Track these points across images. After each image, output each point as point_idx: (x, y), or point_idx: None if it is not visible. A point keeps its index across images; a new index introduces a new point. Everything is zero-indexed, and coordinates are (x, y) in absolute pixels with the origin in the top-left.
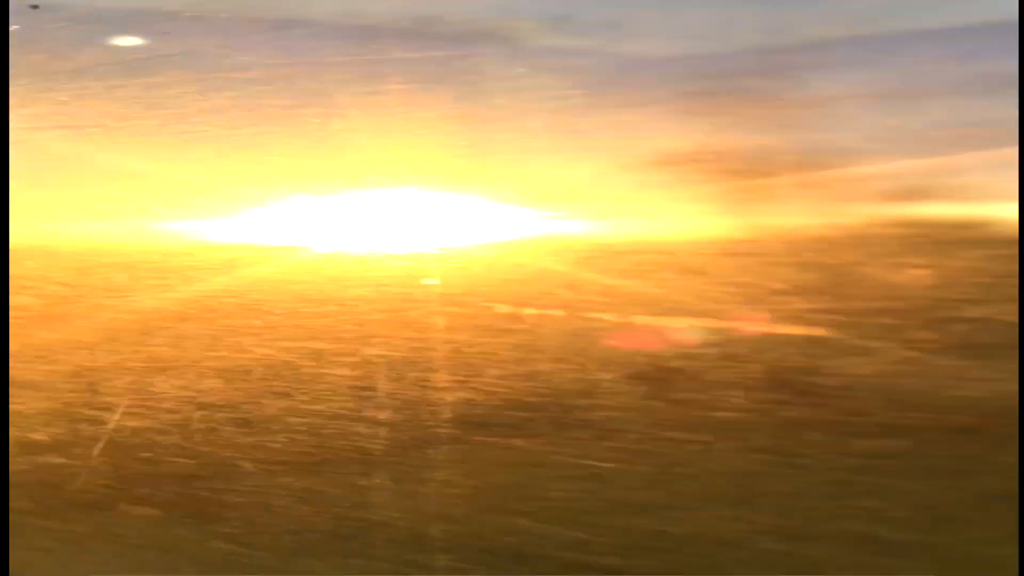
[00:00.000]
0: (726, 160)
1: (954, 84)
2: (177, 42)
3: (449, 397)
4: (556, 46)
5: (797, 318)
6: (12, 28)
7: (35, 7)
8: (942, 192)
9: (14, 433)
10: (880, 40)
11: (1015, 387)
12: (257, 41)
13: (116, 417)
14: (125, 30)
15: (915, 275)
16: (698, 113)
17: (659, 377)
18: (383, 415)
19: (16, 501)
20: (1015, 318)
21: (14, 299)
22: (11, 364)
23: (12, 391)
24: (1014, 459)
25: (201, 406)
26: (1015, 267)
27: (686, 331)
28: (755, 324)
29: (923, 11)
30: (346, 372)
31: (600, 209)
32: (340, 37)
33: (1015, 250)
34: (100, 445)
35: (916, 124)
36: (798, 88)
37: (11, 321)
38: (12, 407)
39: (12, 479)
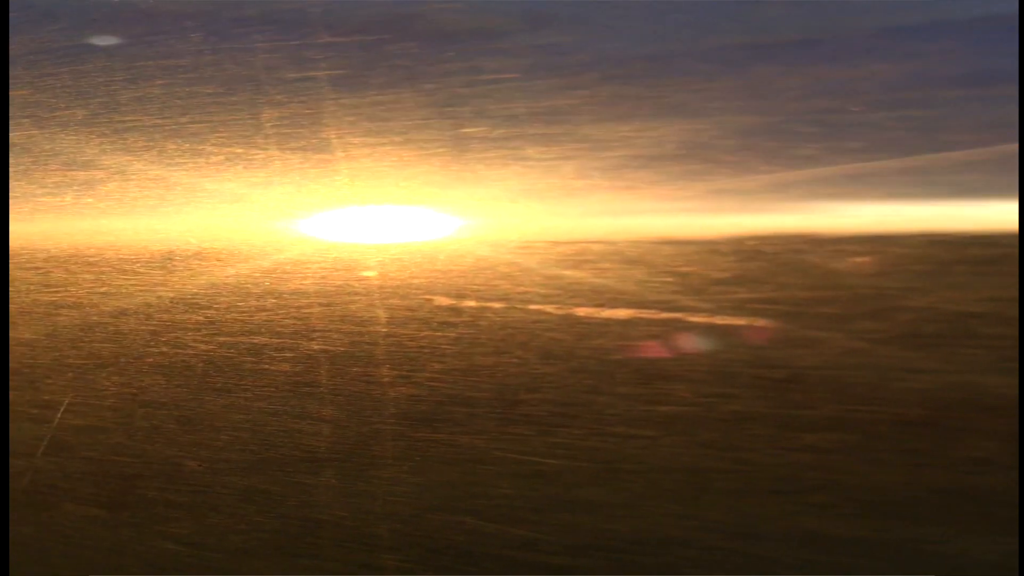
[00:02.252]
0: (673, 153)
1: (946, 80)
2: (106, 30)
3: (392, 393)
4: (488, 32)
5: (740, 308)
6: None
7: None
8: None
9: None
10: (855, 37)
11: (963, 379)
12: (185, 28)
13: (59, 415)
14: (54, 19)
15: (858, 264)
16: (621, 113)
17: (602, 370)
18: (326, 412)
19: None
20: (959, 308)
21: None
22: None
23: None
24: (964, 453)
25: (143, 404)
26: (961, 255)
27: (629, 322)
28: (700, 315)
29: (918, 6)
30: (287, 368)
31: (540, 199)
32: (269, 23)
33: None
34: (44, 444)
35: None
36: (774, 86)
37: None
38: None
39: None
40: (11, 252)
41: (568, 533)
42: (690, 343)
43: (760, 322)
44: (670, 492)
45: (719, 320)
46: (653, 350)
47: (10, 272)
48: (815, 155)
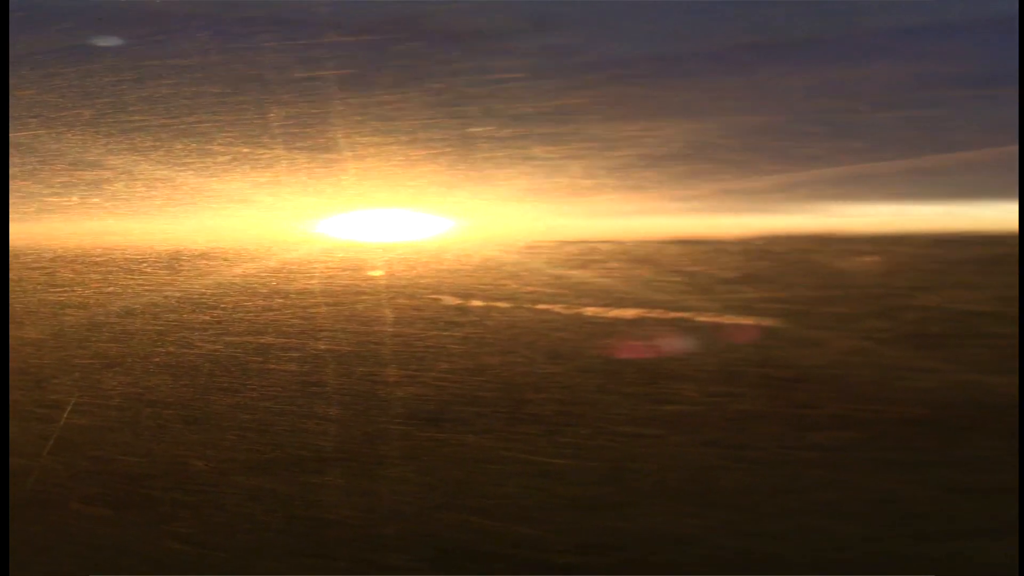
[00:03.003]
0: (680, 153)
1: (950, 81)
2: (112, 30)
3: (399, 392)
4: (495, 32)
5: (747, 308)
6: None
7: None
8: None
9: None
10: (864, 37)
11: (968, 378)
12: (193, 28)
13: (65, 415)
14: (61, 19)
15: (864, 263)
16: (628, 113)
17: (609, 370)
18: (332, 411)
19: None
20: (965, 307)
21: None
22: None
23: None
24: (971, 451)
25: (149, 403)
26: (967, 255)
27: (636, 322)
28: (707, 315)
29: (924, 8)
30: (293, 368)
31: (547, 199)
32: (276, 23)
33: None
34: (50, 444)
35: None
36: (764, 85)
37: None
38: None
39: None
40: (17, 252)
41: (575, 532)
42: (695, 342)
43: (749, 320)
44: (676, 490)
45: (725, 319)
46: (659, 349)
47: (16, 272)
48: (821, 155)
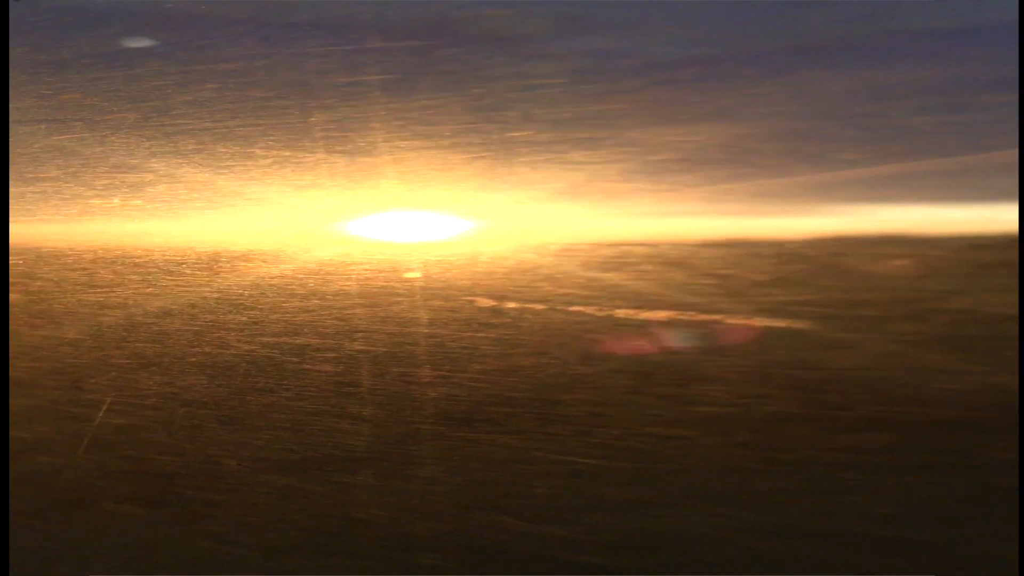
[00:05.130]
0: (716, 157)
1: (953, 84)
2: (158, 35)
3: (432, 393)
4: (536, 37)
5: (779, 310)
6: None
7: (17, 0)
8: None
9: None
10: (879, 39)
11: (1000, 380)
12: (237, 32)
13: (100, 414)
14: (106, 23)
15: (897, 266)
16: (666, 117)
17: (641, 371)
18: (366, 412)
19: None
20: (998, 310)
21: None
22: None
23: None
24: (1003, 454)
25: (185, 403)
26: (1001, 258)
27: (668, 324)
28: (738, 317)
29: (961, 10)
30: (329, 368)
31: (584, 202)
32: (320, 28)
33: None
34: (84, 443)
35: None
36: (801, 88)
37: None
38: None
39: None
40: (59, 253)
41: (605, 532)
42: (727, 344)
43: (781, 323)
44: (707, 492)
45: (757, 322)
46: (690, 352)
47: (57, 273)
48: (857, 158)
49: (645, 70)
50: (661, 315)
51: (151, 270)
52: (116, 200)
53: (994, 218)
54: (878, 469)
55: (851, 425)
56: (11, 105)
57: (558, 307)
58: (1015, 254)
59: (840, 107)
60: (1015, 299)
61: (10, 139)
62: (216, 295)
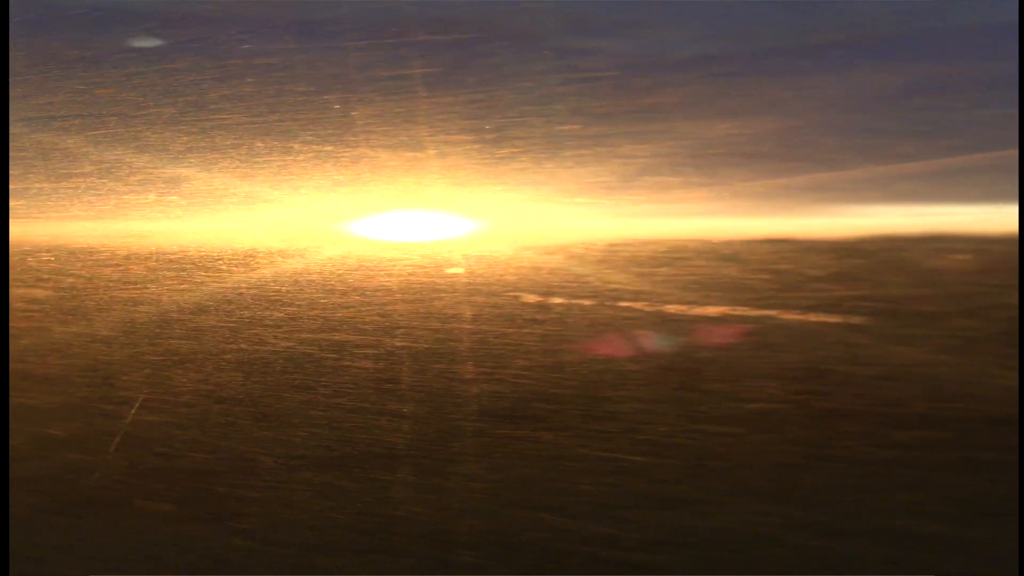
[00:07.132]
0: (770, 151)
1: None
2: (195, 29)
3: (474, 390)
4: (584, 30)
5: (836, 306)
6: (29, 17)
7: None
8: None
9: (29, 428)
10: (937, 33)
11: None
12: (277, 26)
13: (133, 412)
14: (144, 17)
15: (957, 261)
16: (718, 110)
17: (691, 367)
18: (406, 408)
19: (30, 497)
20: None
21: (30, 293)
22: (27, 359)
23: (27, 385)
24: None
25: (219, 400)
26: None
27: (720, 320)
28: (793, 312)
29: (924, 12)
30: (368, 365)
31: (634, 197)
32: (361, 22)
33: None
34: (116, 440)
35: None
36: (857, 81)
37: (27, 315)
38: (27, 402)
39: (26, 475)
40: (92, 249)
41: (650, 530)
42: (780, 339)
43: (836, 318)
44: (756, 489)
45: (812, 317)
46: (742, 347)
47: (90, 269)
48: (914, 153)
49: (697, 64)
50: (713, 311)
51: (186, 266)
52: (151, 196)
53: None
54: (933, 466)
55: (906, 422)
56: (45, 100)
57: (606, 303)
58: None
59: (897, 101)
60: None
61: (44, 135)
62: (253, 291)
